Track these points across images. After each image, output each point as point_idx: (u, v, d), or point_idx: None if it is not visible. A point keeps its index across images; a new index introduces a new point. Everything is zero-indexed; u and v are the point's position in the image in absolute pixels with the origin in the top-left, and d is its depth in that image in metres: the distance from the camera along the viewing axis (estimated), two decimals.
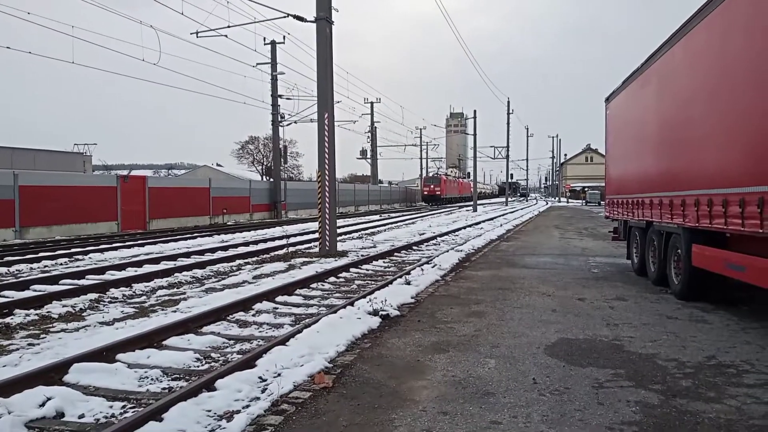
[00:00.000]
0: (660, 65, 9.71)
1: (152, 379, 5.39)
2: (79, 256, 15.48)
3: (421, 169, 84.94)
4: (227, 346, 6.64)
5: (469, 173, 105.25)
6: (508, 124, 63.82)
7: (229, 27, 20.08)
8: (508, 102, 63.25)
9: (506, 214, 43.21)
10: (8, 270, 13.03)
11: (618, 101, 12.85)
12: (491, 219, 34.58)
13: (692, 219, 7.96)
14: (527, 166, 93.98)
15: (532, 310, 7.94)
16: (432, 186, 74.53)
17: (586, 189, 77.05)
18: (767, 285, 6.15)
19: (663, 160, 9.66)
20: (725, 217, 6.92)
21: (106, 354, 5.83)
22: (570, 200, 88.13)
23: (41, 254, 15.51)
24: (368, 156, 66.36)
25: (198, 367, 5.86)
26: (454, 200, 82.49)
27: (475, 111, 53.62)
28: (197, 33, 20.87)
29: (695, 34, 8.09)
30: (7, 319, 7.86)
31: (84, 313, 8.45)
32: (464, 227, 26.56)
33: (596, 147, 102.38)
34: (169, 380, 5.43)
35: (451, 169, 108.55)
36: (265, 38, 35.10)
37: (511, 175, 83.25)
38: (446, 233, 23.06)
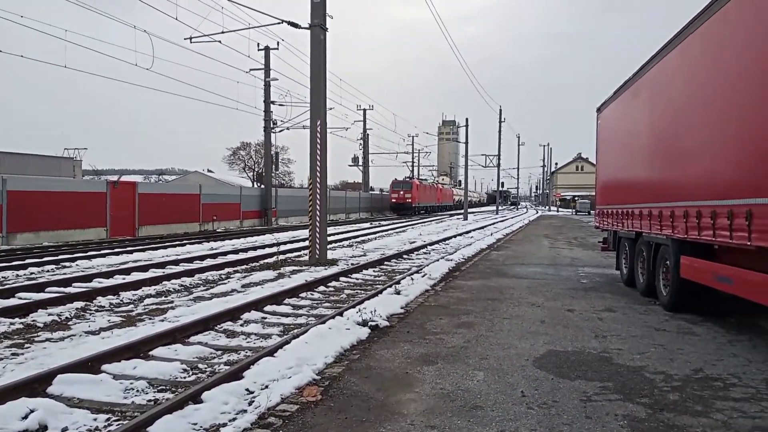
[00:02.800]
0: (651, 76, 9.78)
1: (138, 391, 5.34)
2: (67, 263, 15.33)
3: (413, 176, 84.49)
4: (215, 357, 6.59)
5: (460, 181, 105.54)
6: (499, 132, 64.09)
7: (223, 33, 20.10)
8: (500, 110, 63.54)
9: (497, 222, 43.31)
10: None
11: (609, 111, 12.92)
12: (482, 228, 34.64)
13: (681, 230, 8.00)
14: (518, 175, 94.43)
15: (521, 321, 7.94)
16: (401, 192, 62.25)
17: (576, 198, 77.46)
18: (754, 297, 6.18)
19: (653, 170, 9.72)
20: (713, 229, 6.95)
21: (91, 365, 5.77)
22: (560, 209, 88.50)
23: (28, 261, 15.37)
24: (360, 163, 66.35)
25: (185, 378, 5.80)
26: (432, 209, 71.96)
27: (467, 119, 53.76)
28: (191, 38, 20.84)
29: (687, 45, 8.14)
30: None
31: (70, 322, 8.36)
32: (455, 236, 26.58)
33: (587, 156, 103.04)
34: (155, 392, 5.38)
35: (442, 176, 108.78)
36: (258, 44, 35.06)
37: (502, 183, 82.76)
38: (437, 242, 23.07)
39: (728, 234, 6.55)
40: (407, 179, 64.84)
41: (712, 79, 7.33)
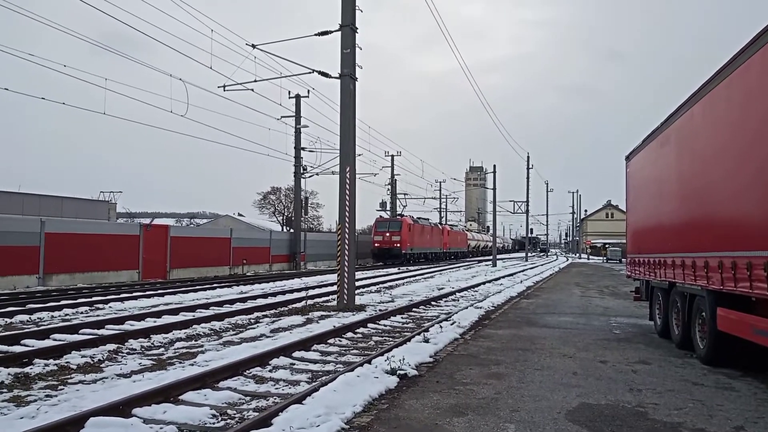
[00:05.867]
0: (680, 125, 9.75)
1: None
2: (100, 305, 15.60)
3: (440, 221, 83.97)
4: (243, 403, 6.59)
5: (488, 227, 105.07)
6: (527, 178, 63.96)
7: (255, 81, 20.66)
8: (528, 157, 63.58)
9: (526, 269, 42.84)
10: (30, 318, 13.16)
11: (638, 159, 12.87)
12: (511, 275, 34.28)
13: (716, 281, 7.83)
14: (547, 221, 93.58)
15: (552, 372, 7.79)
16: (387, 234, 47.36)
17: (607, 246, 76.06)
18: None
19: (685, 219, 9.59)
20: (750, 281, 6.79)
21: (122, 408, 5.82)
22: (591, 257, 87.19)
23: (63, 302, 15.68)
24: (388, 208, 66.68)
25: (214, 424, 5.81)
26: (434, 257, 57.53)
27: (494, 166, 53.90)
28: (224, 86, 21.45)
29: (715, 94, 8.14)
30: (27, 369, 7.91)
31: (102, 365, 8.47)
32: (483, 283, 26.36)
33: (617, 203, 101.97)
34: None
35: (470, 222, 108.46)
36: (289, 92, 35.92)
37: (531, 229, 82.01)
38: (465, 288, 22.89)
39: (766, 286, 6.40)
40: (397, 216, 51.21)
41: (741, 130, 7.29)
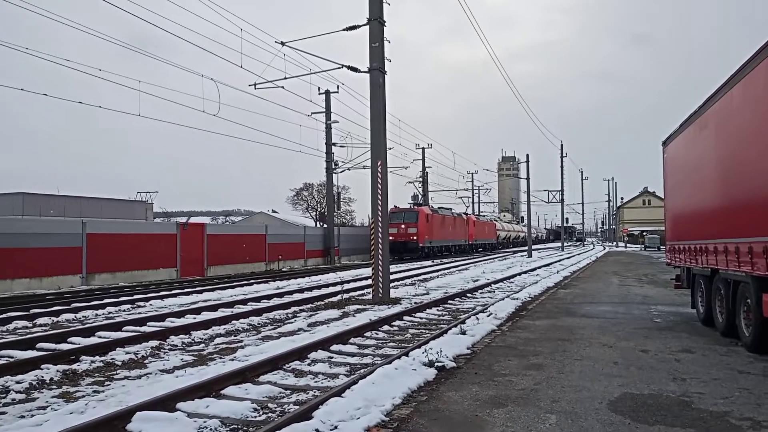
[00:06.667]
0: (719, 107, 9.49)
1: (211, 430, 5.46)
2: (141, 303, 15.96)
3: (473, 213, 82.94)
4: (284, 396, 6.67)
5: (522, 217, 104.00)
6: (561, 167, 63.10)
7: (285, 78, 20.79)
8: (561, 145, 62.73)
9: (562, 259, 42.32)
10: (75, 316, 13.56)
11: (676, 144, 12.58)
12: (547, 265, 33.91)
13: (762, 267, 7.61)
14: (583, 210, 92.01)
15: (593, 362, 7.69)
16: (403, 226, 42.10)
17: (644, 233, 74.59)
18: None
19: (726, 204, 9.33)
20: None
21: (166, 403, 5.95)
22: (628, 245, 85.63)
23: (106, 300, 16.09)
24: (420, 201, 66.51)
25: (255, 417, 5.90)
26: (455, 250, 52.46)
27: (527, 155, 53.35)
28: (255, 85, 21.64)
29: (756, 75, 7.88)
30: (74, 366, 8.14)
31: (146, 361, 8.67)
32: (519, 273, 26.15)
33: (653, 190, 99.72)
34: (227, 430, 5.49)
35: (503, 213, 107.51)
36: (319, 88, 36.12)
37: (567, 219, 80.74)
38: (501, 280, 22.74)
39: None
40: (412, 206, 45.49)
41: None
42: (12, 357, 8.70)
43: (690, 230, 11.62)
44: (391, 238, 40.48)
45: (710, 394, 6.07)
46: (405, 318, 12.59)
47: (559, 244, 76.46)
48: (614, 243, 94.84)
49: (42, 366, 7.90)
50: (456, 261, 40.86)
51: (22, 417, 5.97)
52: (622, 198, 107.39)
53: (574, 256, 50.31)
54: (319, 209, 74.86)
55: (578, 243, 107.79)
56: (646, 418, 5.25)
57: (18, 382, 7.20)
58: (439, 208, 51.53)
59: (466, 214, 59.55)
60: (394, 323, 11.94)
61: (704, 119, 10.32)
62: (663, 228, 15.00)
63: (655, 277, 23.96)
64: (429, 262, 38.70)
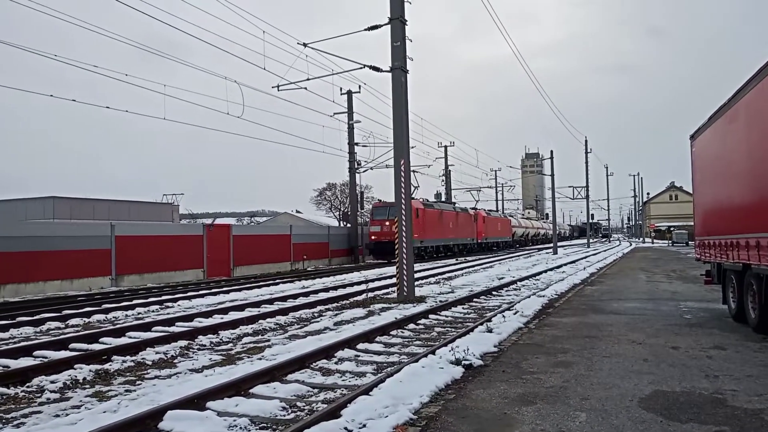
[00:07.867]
0: (749, 99, 9.29)
1: (241, 428, 5.52)
2: (169, 303, 16.18)
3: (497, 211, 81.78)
4: (312, 395, 6.72)
5: (547, 214, 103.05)
6: (586, 163, 62.32)
7: (308, 79, 20.89)
8: (586, 141, 61.94)
9: (588, 256, 41.88)
10: (106, 317, 13.80)
11: (704, 138, 12.35)
12: (573, 262, 33.58)
13: None
14: (608, 206, 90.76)
15: (622, 359, 7.59)
16: (387, 223, 35.36)
17: (672, 228, 73.45)
18: None
19: (758, 198, 9.14)
20: None
21: (197, 402, 6.03)
22: (655, 240, 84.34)
23: (135, 301, 16.34)
24: (443, 199, 66.31)
25: (284, 416, 5.94)
26: (458, 250, 46.45)
27: (551, 151, 52.87)
28: (278, 86, 21.77)
29: None
30: (106, 366, 8.29)
31: (175, 360, 8.80)
32: (545, 271, 25.96)
33: (680, 185, 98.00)
34: (257, 429, 5.55)
35: (528, 210, 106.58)
36: (341, 88, 36.19)
37: (592, 215, 79.74)
38: (526, 277, 22.58)
39: None
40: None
41: None
42: (46, 357, 8.88)
43: (720, 225, 11.41)
44: (373, 237, 37.48)
45: (744, 391, 5.96)
46: (430, 316, 12.58)
47: (584, 241, 75.63)
48: (641, 239, 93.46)
49: (75, 366, 8.07)
50: (481, 259, 40.66)
51: (57, 416, 6.11)
52: (648, 193, 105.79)
53: (600, 252, 49.73)
54: (342, 209, 74.99)
55: (604, 239, 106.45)
56: (679, 416, 5.18)
57: (52, 382, 7.36)
58: (434, 202, 45.99)
59: (474, 209, 54.10)
60: (419, 321, 11.94)
61: (734, 111, 10.12)
62: (691, 223, 14.74)
63: (683, 272, 23.58)
64: (453, 260, 38.49)
